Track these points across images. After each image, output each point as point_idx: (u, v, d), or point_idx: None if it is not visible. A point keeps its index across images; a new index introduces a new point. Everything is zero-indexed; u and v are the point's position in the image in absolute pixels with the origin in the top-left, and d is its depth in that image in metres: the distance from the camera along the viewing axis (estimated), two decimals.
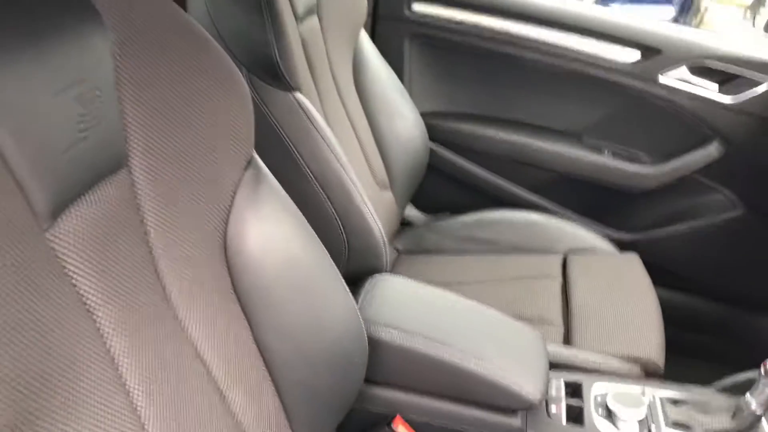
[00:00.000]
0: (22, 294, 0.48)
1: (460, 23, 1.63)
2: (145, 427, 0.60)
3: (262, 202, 0.78)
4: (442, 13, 1.65)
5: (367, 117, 1.43)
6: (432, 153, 1.63)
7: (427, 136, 1.55)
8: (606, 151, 1.69)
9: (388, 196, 1.45)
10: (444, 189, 1.75)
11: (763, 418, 0.96)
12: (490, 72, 1.71)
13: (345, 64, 1.37)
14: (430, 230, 1.59)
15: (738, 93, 1.54)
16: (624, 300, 1.34)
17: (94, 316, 0.57)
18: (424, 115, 1.58)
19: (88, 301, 0.57)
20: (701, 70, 1.56)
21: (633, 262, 1.46)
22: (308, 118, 1.06)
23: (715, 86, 1.56)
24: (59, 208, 0.54)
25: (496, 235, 1.55)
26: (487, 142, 1.71)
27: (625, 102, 1.65)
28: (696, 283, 1.70)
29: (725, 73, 1.54)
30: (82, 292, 0.56)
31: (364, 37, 1.45)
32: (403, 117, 1.48)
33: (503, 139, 1.70)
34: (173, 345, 0.66)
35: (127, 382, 0.59)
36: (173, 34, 0.68)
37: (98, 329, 0.57)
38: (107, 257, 0.59)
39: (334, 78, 1.32)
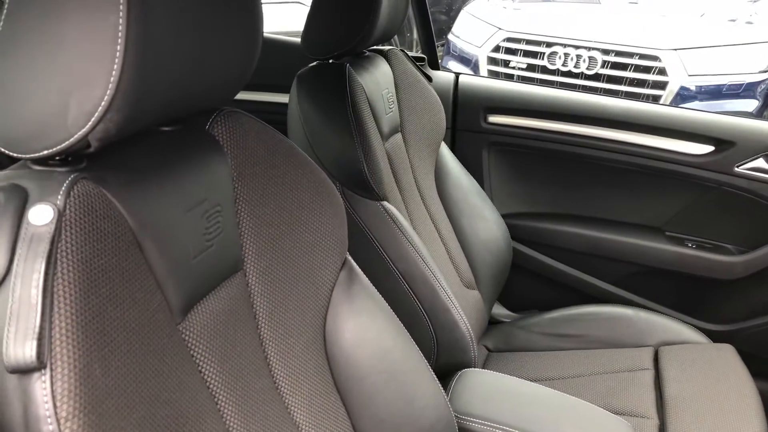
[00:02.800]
0: (159, 376, 0.58)
1: (533, 130, 1.74)
2: None
3: (355, 298, 0.88)
4: (515, 122, 1.76)
5: (451, 221, 1.52)
6: (515, 252, 1.69)
7: (509, 236, 1.62)
8: (689, 243, 1.70)
9: (475, 295, 1.51)
10: (530, 287, 1.80)
11: None
12: (565, 172, 1.79)
13: (428, 173, 1.49)
14: (519, 328, 1.62)
15: None
16: (721, 392, 1.31)
17: (216, 398, 0.67)
18: (506, 216, 1.66)
19: (211, 385, 0.66)
20: None
21: (728, 354, 1.43)
22: (395, 223, 1.16)
23: None
24: (190, 305, 0.65)
25: (584, 331, 1.56)
26: (569, 239, 1.76)
27: (703, 194, 1.68)
28: None
29: None
30: (206, 376, 0.66)
31: (445, 148, 1.57)
32: (485, 219, 1.56)
33: (584, 235, 1.75)
34: (281, 428, 0.75)
35: None
36: (279, 158, 0.80)
37: (219, 410, 0.67)
38: (226, 347, 0.69)
39: (417, 186, 1.43)
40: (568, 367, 1.45)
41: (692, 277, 1.69)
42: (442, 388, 0.95)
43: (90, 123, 0.52)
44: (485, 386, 1.09)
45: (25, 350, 0.46)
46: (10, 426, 0.47)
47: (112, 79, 0.51)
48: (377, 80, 1.32)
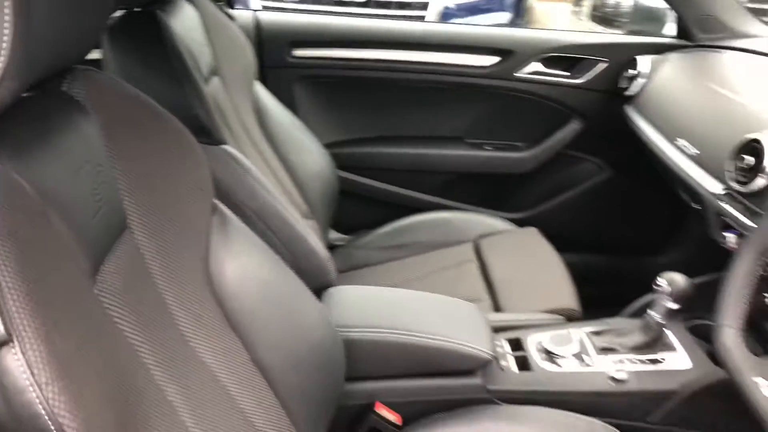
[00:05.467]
0: (97, 338, 0.59)
1: (337, 59, 1.81)
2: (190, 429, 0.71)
3: (231, 240, 0.91)
4: (320, 53, 1.82)
5: (278, 156, 1.56)
6: (340, 179, 1.78)
7: (333, 164, 1.70)
8: (487, 147, 1.91)
9: (313, 224, 1.58)
10: (358, 209, 1.91)
11: (665, 327, 1.19)
12: (373, 97, 1.90)
13: (249, 114, 1.51)
14: (354, 248, 1.73)
15: (583, 74, 1.82)
16: (535, 267, 1.54)
17: (138, 353, 0.68)
18: (326, 146, 1.73)
19: (132, 340, 0.68)
20: (551, 61, 1.82)
21: (534, 235, 1.67)
22: (239, 164, 1.18)
23: (565, 72, 1.83)
24: (95, 267, 0.65)
25: (412, 239, 1.71)
26: (384, 159, 1.89)
27: (493, 101, 1.88)
28: (587, 242, 1.95)
29: (570, 59, 1.81)
30: (127, 334, 0.67)
31: (259, 86, 1.59)
32: (310, 151, 1.63)
33: (397, 153, 1.89)
34: (196, 371, 0.78)
35: (173, 402, 0.70)
36: (138, 112, 0.80)
37: (144, 364, 0.68)
38: (135, 304, 0.70)
39: (244, 128, 1.45)
40: (407, 272, 1.59)
41: (494, 176, 1.91)
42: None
43: None
44: (352, 299, 1.19)
45: None
46: None
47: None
48: (188, 26, 1.30)
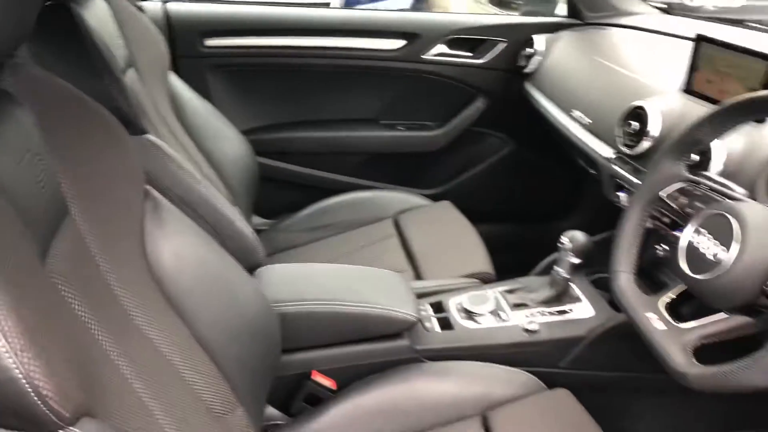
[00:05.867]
0: (56, 313, 0.62)
1: (250, 48, 1.84)
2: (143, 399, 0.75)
3: (165, 223, 0.94)
4: (232, 42, 1.85)
5: (197, 145, 1.58)
6: (259, 165, 1.82)
7: (252, 151, 1.74)
8: (400, 127, 2.00)
9: (236, 211, 1.61)
10: (278, 193, 1.95)
11: (570, 281, 1.31)
12: (286, 83, 1.94)
13: (165, 104, 1.52)
14: (278, 231, 1.78)
15: (485, 55, 1.92)
16: (451, 237, 1.64)
17: (91, 330, 0.72)
18: (243, 134, 1.77)
19: (84, 318, 0.71)
20: (455, 43, 1.92)
21: (448, 208, 1.77)
22: (163, 153, 1.21)
23: (468, 53, 1.93)
24: (44, 250, 0.69)
25: (334, 219, 1.78)
26: (302, 143, 1.94)
27: (403, 83, 1.97)
28: (497, 212, 2.08)
29: (472, 40, 1.92)
30: (79, 314, 0.71)
31: (173, 76, 1.61)
32: (228, 138, 1.66)
33: (314, 137, 1.95)
34: (143, 347, 0.82)
35: (125, 374, 0.74)
36: (69, 103, 0.83)
37: (98, 339, 0.72)
38: (83, 285, 0.74)
39: (162, 118, 1.46)
40: (332, 251, 1.65)
41: (408, 155, 2.00)
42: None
43: None
44: (282, 276, 1.24)
45: None
46: None
47: None
48: (101, 18, 1.30)
